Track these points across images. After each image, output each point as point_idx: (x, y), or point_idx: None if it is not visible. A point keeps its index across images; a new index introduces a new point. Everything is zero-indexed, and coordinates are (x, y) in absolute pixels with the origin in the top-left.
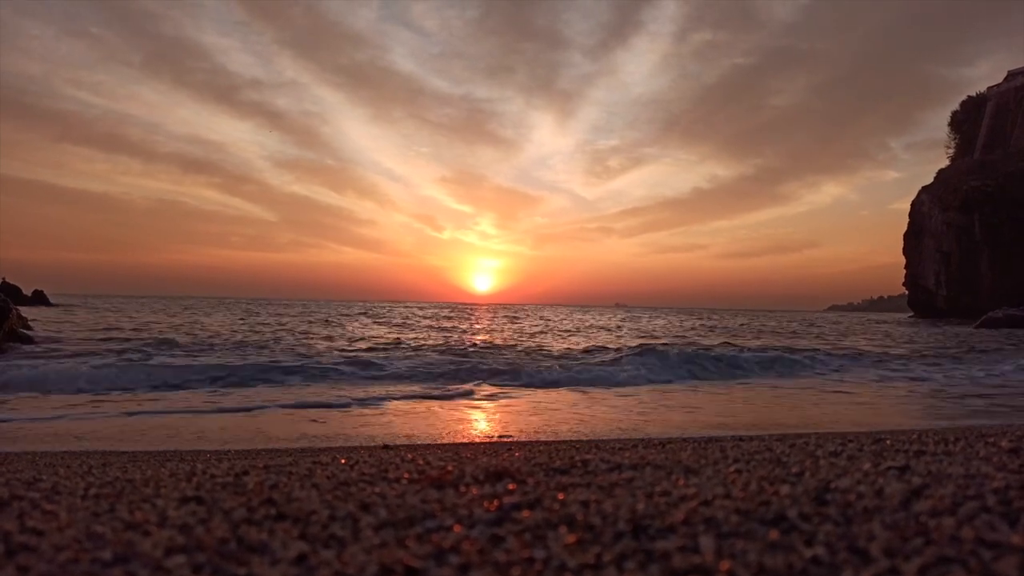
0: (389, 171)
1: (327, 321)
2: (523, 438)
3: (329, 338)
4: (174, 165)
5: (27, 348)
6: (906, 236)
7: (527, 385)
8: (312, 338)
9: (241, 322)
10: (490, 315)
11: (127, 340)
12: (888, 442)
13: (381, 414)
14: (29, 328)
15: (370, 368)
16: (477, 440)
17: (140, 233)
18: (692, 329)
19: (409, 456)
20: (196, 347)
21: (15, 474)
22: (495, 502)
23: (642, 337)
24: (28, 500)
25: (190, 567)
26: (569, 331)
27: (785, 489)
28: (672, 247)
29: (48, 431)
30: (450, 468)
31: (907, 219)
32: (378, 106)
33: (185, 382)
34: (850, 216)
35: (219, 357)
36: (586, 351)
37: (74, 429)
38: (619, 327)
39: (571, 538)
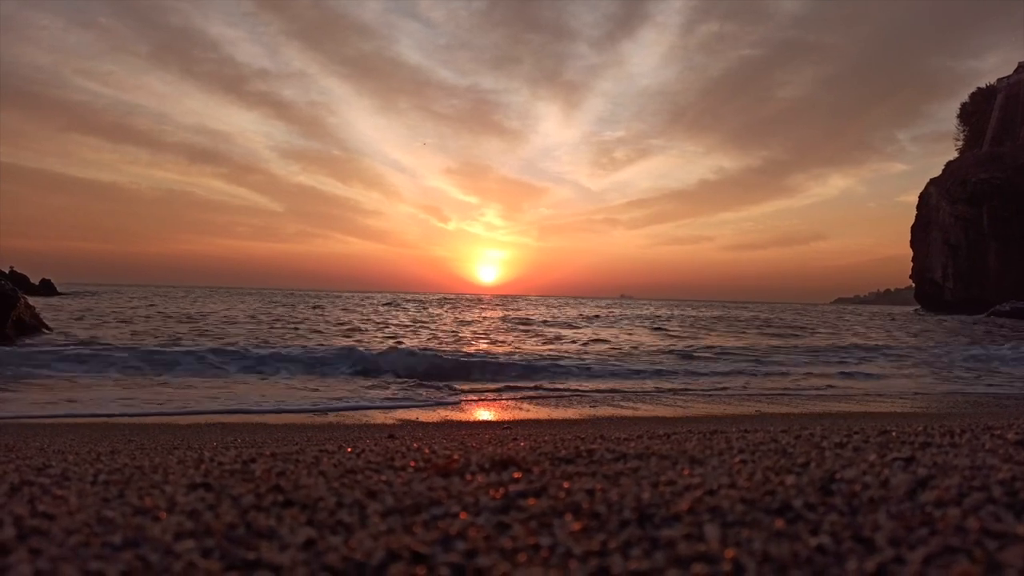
0: (395, 162)
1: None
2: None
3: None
4: (181, 155)
5: (33, 338)
6: (913, 229)
7: None
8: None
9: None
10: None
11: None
12: (894, 434)
13: None
14: (37, 318)
15: None
16: (482, 430)
17: (147, 223)
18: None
19: (415, 445)
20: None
21: (25, 461)
22: (501, 490)
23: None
24: (38, 485)
25: (199, 551)
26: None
27: (790, 479)
28: (678, 239)
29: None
30: (456, 457)
31: (914, 211)
32: (384, 97)
33: None
34: (857, 208)
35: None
36: None
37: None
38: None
39: (577, 525)
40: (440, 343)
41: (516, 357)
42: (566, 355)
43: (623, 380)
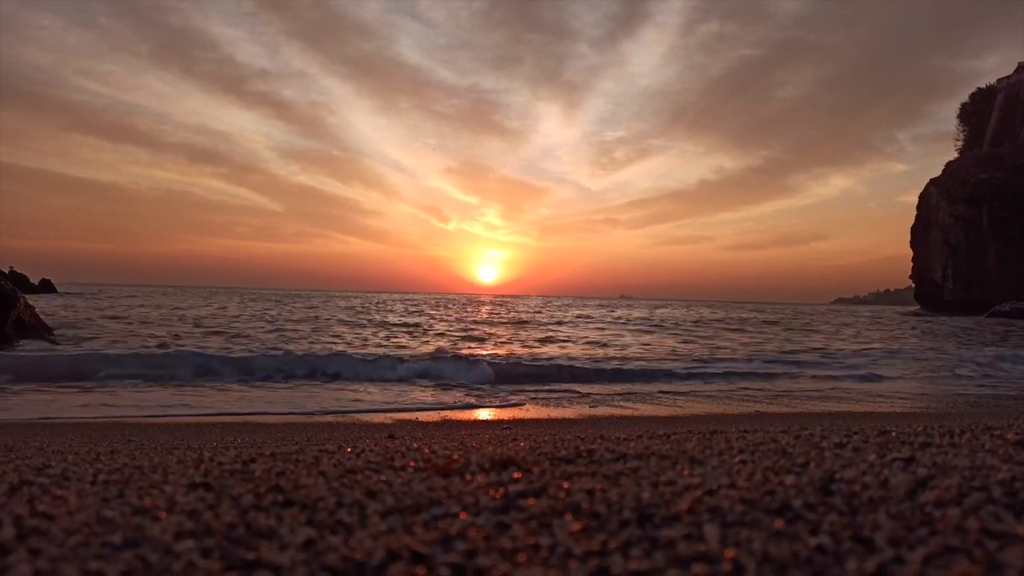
0: (395, 162)
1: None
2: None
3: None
4: (181, 155)
5: (45, 338)
6: (913, 229)
7: None
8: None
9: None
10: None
11: None
12: (893, 434)
13: None
14: (37, 318)
15: None
16: (482, 430)
17: (147, 223)
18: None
19: (415, 445)
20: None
21: (25, 460)
22: (500, 490)
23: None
24: (38, 485)
25: (199, 551)
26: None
27: (790, 479)
28: (678, 239)
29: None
30: (456, 457)
31: (914, 212)
32: (385, 97)
33: None
34: (857, 208)
35: None
36: None
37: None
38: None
39: (576, 525)
40: (476, 347)
41: (580, 362)
42: (609, 359)
43: (662, 383)
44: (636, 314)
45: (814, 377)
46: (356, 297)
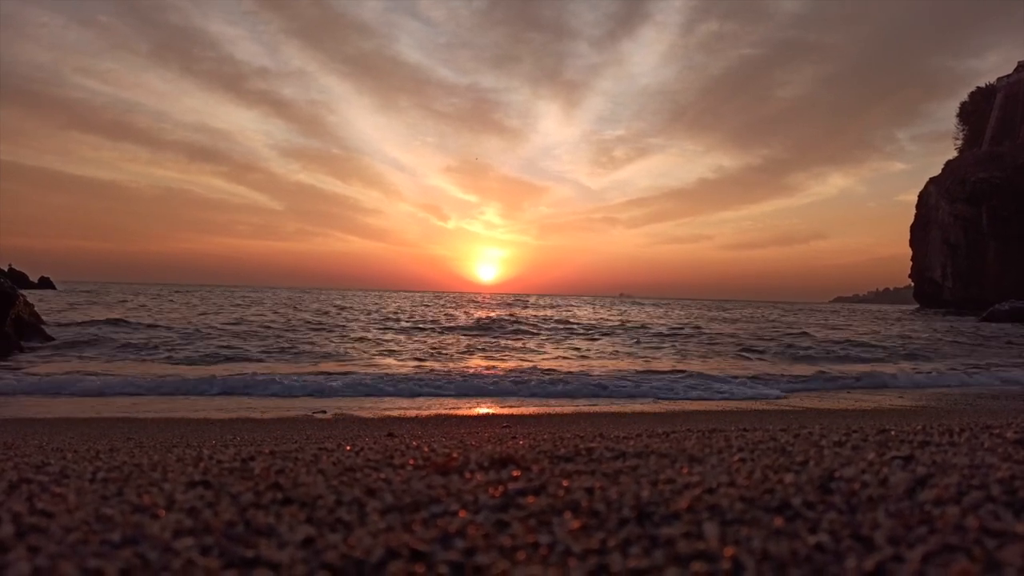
0: (395, 160)
1: None
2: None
3: None
4: (181, 153)
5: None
6: (913, 228)
7: None
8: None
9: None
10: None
11: None
12: (893, 433)
13: None
14: (36, 316)
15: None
16: (481, 428)
17: (146, 221)
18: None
19: (414, 443)
20: None
21: (24, 458)
22: (500, 488)
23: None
24: (37, 483)
25: (198, 549)
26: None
27: (789, 477)
28: (677, 238)
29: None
30: (455, 455)
31: (914, 211)
32: (384, 95)
33: None
34: (857, 207)
35: None
36: None
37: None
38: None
39: (576, 524)
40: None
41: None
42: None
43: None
44: (643, 313)
45: (820, 378)
46: (382, 297)
